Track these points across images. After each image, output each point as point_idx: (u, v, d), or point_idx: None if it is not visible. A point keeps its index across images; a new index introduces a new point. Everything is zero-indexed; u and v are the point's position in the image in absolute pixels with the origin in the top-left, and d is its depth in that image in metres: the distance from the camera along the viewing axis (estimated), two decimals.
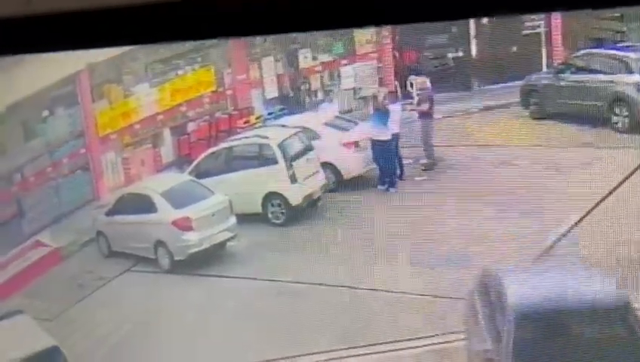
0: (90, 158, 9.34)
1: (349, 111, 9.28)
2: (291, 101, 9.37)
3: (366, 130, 8.74)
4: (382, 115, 8.68)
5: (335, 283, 8.01)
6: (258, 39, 8.88)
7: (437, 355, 7.32)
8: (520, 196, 8.03)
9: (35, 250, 8.99)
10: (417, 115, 8.59)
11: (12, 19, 5.14)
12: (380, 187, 8.66)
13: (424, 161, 8.57)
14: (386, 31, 8.86)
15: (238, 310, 8.07)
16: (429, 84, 8.64)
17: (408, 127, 8.67)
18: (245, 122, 9.20)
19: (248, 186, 8.84)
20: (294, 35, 8.83)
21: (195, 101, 9.18)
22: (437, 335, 7.41)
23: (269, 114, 9.28)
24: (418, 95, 8.71)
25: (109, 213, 9.10)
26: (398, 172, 8.57)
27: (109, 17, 5.09)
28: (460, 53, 8.90)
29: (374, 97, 9.01)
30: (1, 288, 8.65)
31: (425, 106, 8.53)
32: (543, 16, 8.63)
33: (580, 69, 8.51)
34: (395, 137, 8.52)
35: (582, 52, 8.57)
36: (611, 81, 8.22)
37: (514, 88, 8.74)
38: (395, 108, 8.61)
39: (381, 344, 7.51)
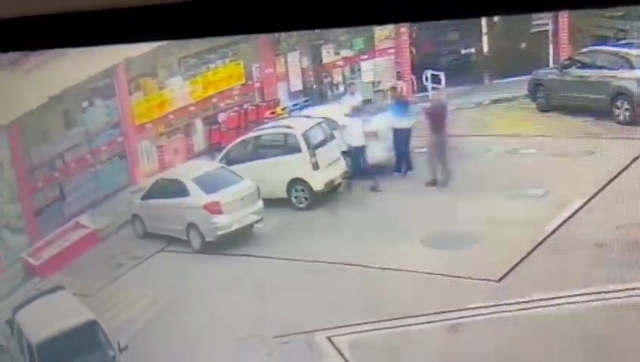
0: (126, 146, 9.63)
1: (369, 102, 9.50)
2: (314, 93, 9.64)
3: (385, 120, 9.08)
4: (400, 105, 9.05)
5: (354, 263, 8.35)
6: (284, 35, 9.17)
7: (446, 330, 7.69)
8: (528, 182, 8.34)
9: (75, 231, 9.38)
10: (430, 129, 8.55)
11: (54, 15, 5.65)
12: (397, 173, 9.04)
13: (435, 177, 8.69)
14: (404, 28, 9.12)
15: (264, 287, 8.44)
16: (442, 85, 8.75)
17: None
18: (272, 113, 9.48)
19: (274, 173, 9.22)
20: (318, 31, 9.19)
21: (226, 93, 9.43)
22: (448, 311, 7.76)
23: (294, 105, 9.54)
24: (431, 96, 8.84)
25: (145, 197, 9.51)
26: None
27: (145, 14, 5.60)
28: (472, 50, 9.09)
29: (393, 89, 9.37)
30: (44, 266, 9.14)
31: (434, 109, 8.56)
32: (550, 15, 8.84)
33: (585, 65, 8.68)
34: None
35: (586, 49, 8.69)
36: (614, 76, 8.40)
37: (522, 82, 8.93)
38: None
39: (397, 319, 7.89)
